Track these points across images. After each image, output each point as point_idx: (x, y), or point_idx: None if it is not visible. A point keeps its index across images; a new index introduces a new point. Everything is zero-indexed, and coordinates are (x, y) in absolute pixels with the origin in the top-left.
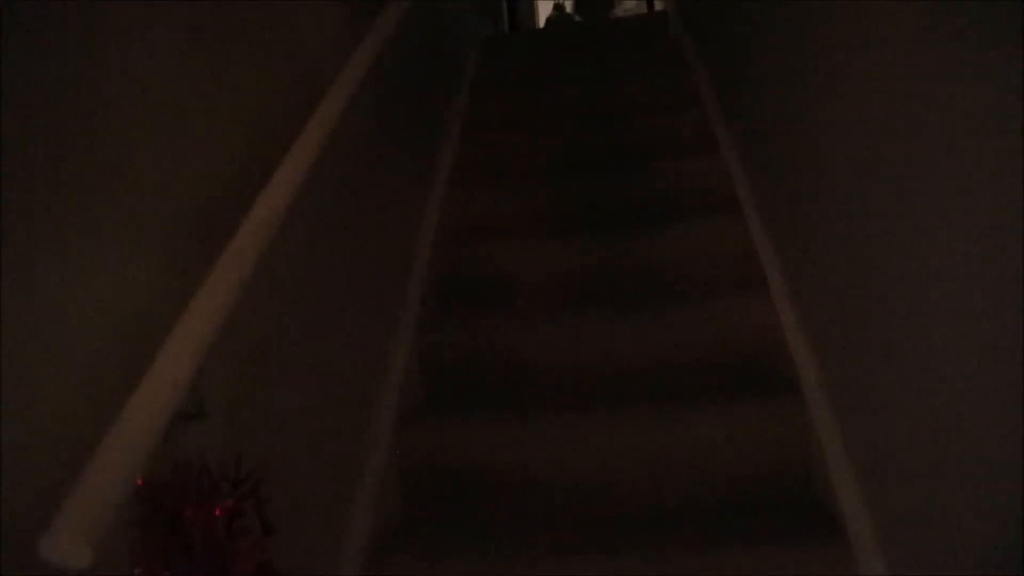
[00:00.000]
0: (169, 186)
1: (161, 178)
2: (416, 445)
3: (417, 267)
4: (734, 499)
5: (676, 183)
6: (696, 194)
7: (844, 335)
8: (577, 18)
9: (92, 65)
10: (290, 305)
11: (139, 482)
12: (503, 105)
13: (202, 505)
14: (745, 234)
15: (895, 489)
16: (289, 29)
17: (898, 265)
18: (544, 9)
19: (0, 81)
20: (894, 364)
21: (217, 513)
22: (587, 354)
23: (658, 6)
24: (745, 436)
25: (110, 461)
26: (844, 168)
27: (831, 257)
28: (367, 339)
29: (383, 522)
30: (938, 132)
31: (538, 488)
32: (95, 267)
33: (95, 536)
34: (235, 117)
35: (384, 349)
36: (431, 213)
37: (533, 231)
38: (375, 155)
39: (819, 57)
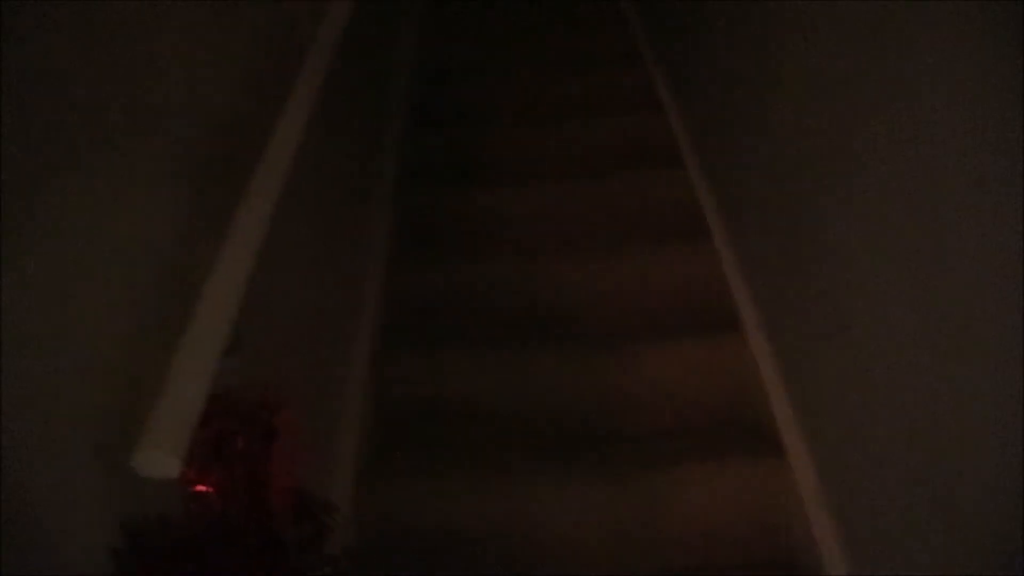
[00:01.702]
0: (189, 130)
1: (182, 123)
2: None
3: (382, 211)
4: None
5: None
6: None
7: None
8: None
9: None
10: (290, 247)
11: None
12: None
13: (243, 428)
14: None
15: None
16: None
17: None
18: None
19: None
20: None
21: (256, 435)
22: None
23: None
24: None
25: (183, 386)
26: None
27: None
28: (345, 280)
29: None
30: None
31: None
32: (132, 204)
33: (181, 450)
34: (235, 63)
35: (359, 289)
36: (391, 154)
37: None
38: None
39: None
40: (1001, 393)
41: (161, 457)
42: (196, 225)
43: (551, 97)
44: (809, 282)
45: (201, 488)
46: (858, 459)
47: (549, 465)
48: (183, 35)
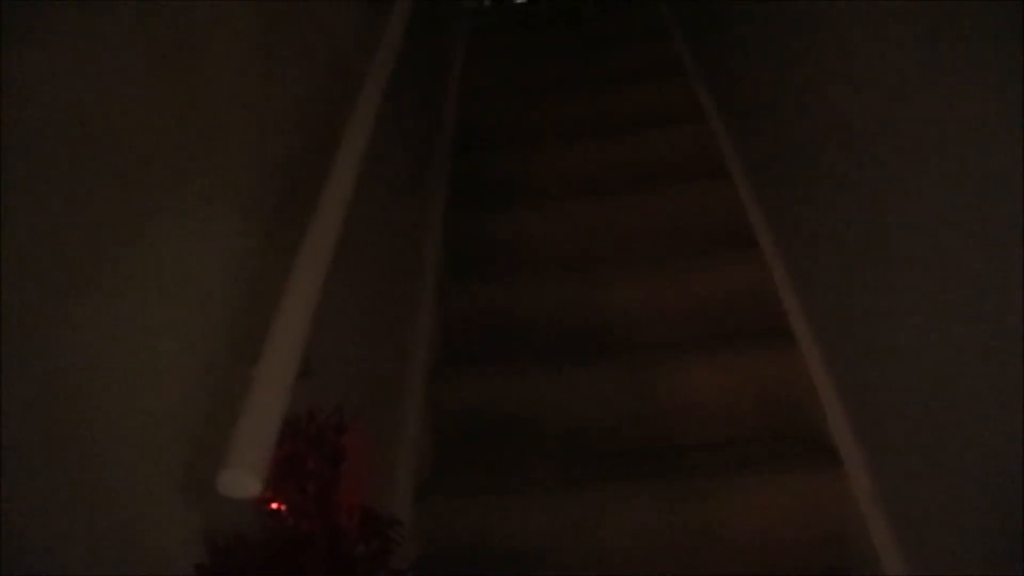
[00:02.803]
0: (255, 165)
1: (248, 160)
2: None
3: (432, 238)
4: None
5: None
6: None
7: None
8: None
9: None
10: (350, 273)
11: None
12: None
13: (313, 449)
14: None
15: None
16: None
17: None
18: None
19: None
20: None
21: (325, 455)
22: None
23: None
24: None
25: (262, 410)
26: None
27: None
28: (400, 302)
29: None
30: (939, 132)
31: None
32: (209, 243)
33: (262, 471)
34: (296, 105)
35: (413, 310)
36: (440, 183)
37: None
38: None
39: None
40: None
41: (244, 477)
42: (265, 258)
43: (594, 106)
44: (861, 291)
45: (275, 506)
46: (914, 465)
47: (607, 479)
48: (254, 86)
